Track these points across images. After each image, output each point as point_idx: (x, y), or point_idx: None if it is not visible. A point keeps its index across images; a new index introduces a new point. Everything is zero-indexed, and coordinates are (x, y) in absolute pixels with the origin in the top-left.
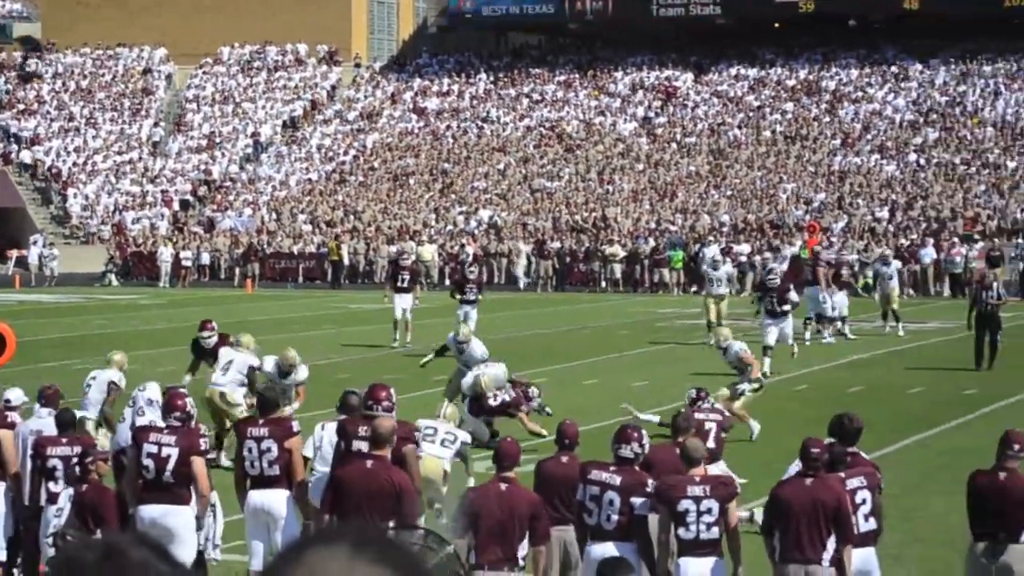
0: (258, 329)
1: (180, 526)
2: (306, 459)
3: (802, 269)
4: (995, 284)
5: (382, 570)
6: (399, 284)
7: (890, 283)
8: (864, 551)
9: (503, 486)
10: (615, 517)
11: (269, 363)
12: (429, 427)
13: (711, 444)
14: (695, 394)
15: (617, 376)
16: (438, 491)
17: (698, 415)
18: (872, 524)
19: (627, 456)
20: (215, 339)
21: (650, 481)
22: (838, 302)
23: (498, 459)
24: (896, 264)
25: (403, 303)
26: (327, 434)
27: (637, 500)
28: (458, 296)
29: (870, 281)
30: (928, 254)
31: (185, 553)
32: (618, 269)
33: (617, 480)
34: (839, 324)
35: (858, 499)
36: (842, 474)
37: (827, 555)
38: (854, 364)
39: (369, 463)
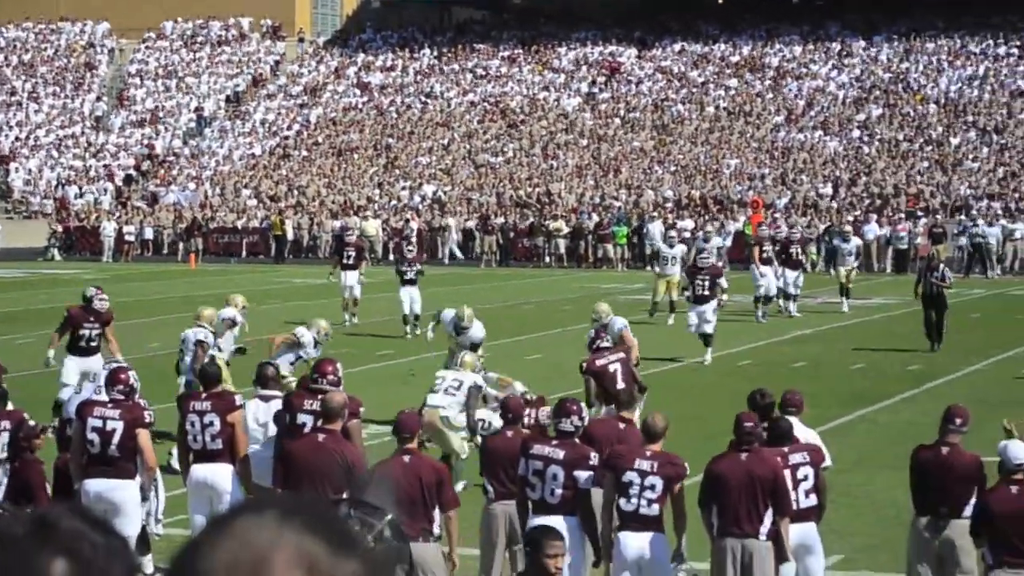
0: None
1: (125, 500)
2: None
3: (745, 246)
4: (941, 265)
5: (310, 538)
6: (345, 261)
7: (849, 259)
8: (805, 526)
9: (406, 458)
10: (559, 491)
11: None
12: (438, 376)
13: (620, 385)
14: (594, 334)
15: (560, 351)
16: (444, 441)
17: (599, 361)
18: (813, 500)
19: (568, 430)
20: None
21: (593, 454)
22: (790, 280)
23: (397, 431)
24: (856, 241)
25: (349, 280)
26: (258, 408)
27: (581, 474)
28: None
29: (815, 257)
30: (871, 230)
31: (129, 527)
32: (562, 244)
33: (560, 454)
34: (783, 302)
35: (800, 475)
36: (785, 448)
37: (764, 528)
38: (797, 340)
39: (321, 437)
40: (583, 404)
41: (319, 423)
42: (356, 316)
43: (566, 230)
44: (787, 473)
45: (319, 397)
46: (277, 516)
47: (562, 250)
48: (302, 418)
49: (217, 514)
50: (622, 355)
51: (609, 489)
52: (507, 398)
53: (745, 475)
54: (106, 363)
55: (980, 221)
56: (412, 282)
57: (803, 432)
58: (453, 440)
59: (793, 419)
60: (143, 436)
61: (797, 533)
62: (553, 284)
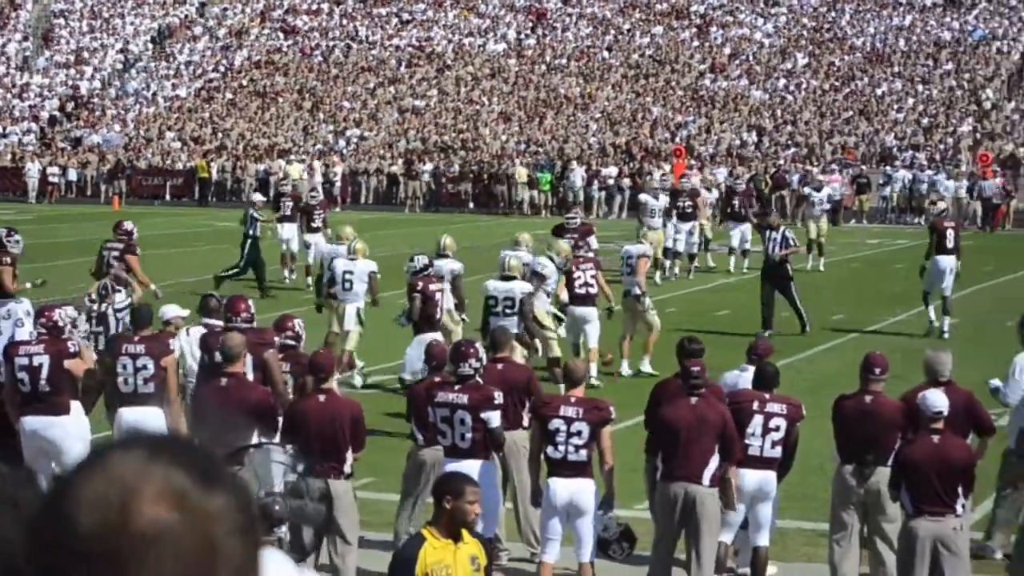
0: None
1: (63, 436)
2: None
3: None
4: (782, 227)
5: (178, 472)
6: (283, 212)
7: (817, 210)
8: (765, 474)
9: (322, 397)
10: (469, 435)
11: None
12: (491, 298)
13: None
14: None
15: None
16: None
17: (577, 272)
18: (777, 452)
19: (468, 373)
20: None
21: (497, 393)
22: (744, 234)
23: (313, 371)
24: (828, 190)
25: (286, 233)
26: (192, 339)
27: (488, 414)
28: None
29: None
30: (800, 179)
31: (67, 461)
32: (524, 193)
33: (464, 398)
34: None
35: (772, 424)
36: (767, 395)
37: (708, 473)
38: (722, 288)
39: (223, 381)
40: (480, 346)
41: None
42: (294, 272)
43: (525, 178)
44: (760, 419)
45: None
46: (145, 452)
47: (524, 197)
48: (219, 357)
49: (89, 452)
50: (592, 259)
51: (535, 438)
52: (431, 344)
53: (695, 420)
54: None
55: (928, 170)
56: (318, 229)
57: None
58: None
59: (750, 368)
60: (73, 364)
61: (756, 479)
62: (477, 230)
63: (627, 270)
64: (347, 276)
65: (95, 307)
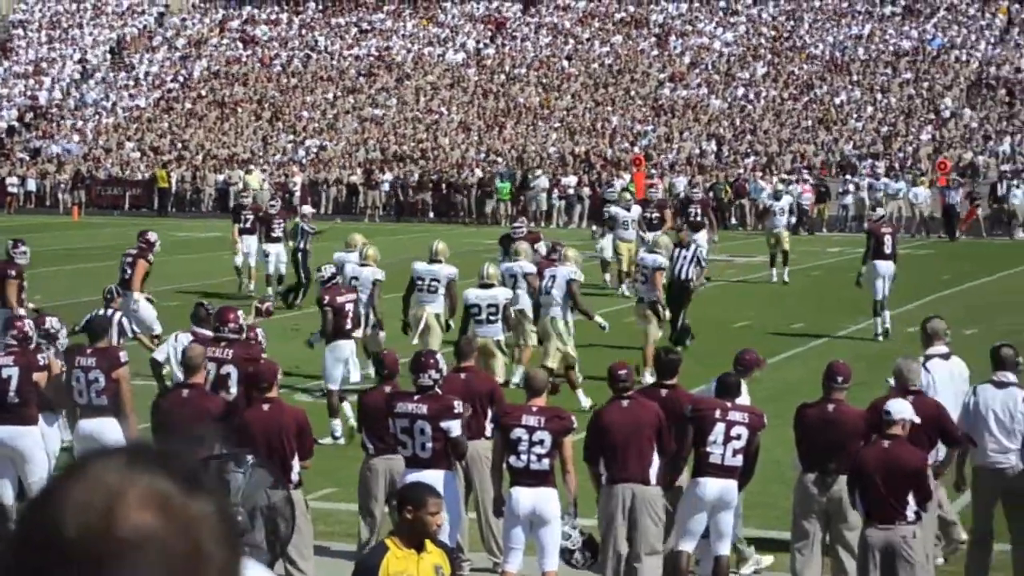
0: (86, 257)
1: (29, 447)
2: (161, 364)
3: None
4: (693, 245)
5: (161, 477)
6: (243, 225)
7: (778, 220)
8: (727, 482)
9: (266, 407)
10: (429, 445)
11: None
12: (473, 306)
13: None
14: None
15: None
16: (490, 366)
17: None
18: (738, 461)
19: (427, 384)
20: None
21: (457, 402)
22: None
23: (255, 381)
24: (788, 199)
25: (246, 247)
26: (180, 344)
27: (448, 424)
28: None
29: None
30: (757, 188)
31: (35, 473)
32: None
33: (424, 408)
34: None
35: (733, 432)
36: (728, 403)
37: (652, 473)
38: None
39: (185, 392)
40: (440, 356)
41: (220, 370)
42: (253, 282)
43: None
44: (721, 428)
45: (221, 345)
46: (127, 458)
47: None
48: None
49: (71, 461)
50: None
51: (497, 448)
52: (382, 354)
53: (630, 422)
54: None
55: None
56: (278, 239)
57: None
58: (498, 365)
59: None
60: (41, 378)
61: (717, 488)
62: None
63: (642, 279)
64: (353, 282)
65: (99, 311)
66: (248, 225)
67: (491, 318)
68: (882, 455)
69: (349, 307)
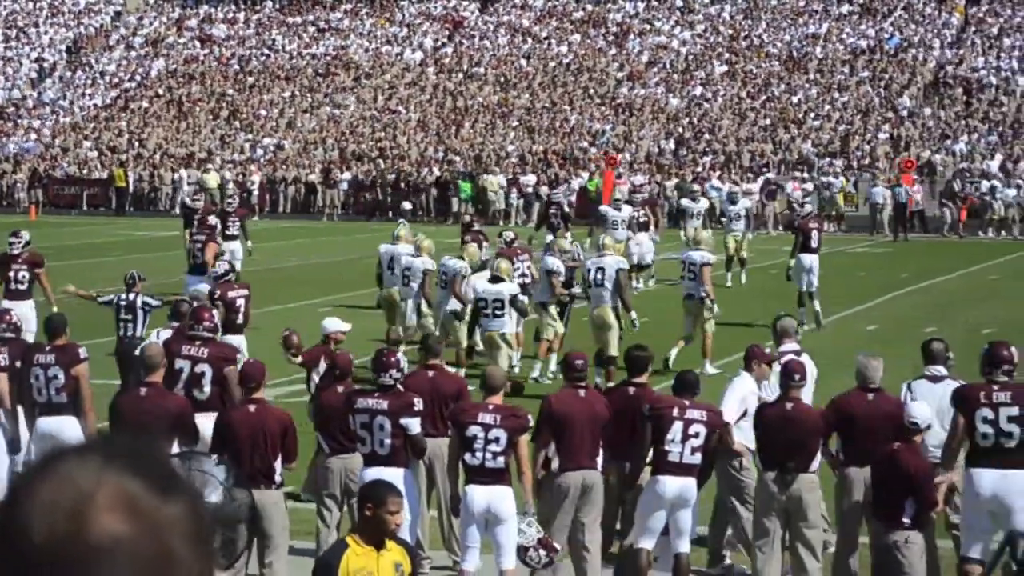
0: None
1: None
2: None
3: (589, 203)
4: (576, 247)
5: (132, 479)
6: (229, 232)
7: (735, 224)
8: (685, 480)
9: (251, 407)
10: (388, 441)
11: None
12: (480, 300)
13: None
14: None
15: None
16: (496, 358)
17: (516, 264)
18: (697, 459)
19: (388, 383)
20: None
21: (417, 400)
22: (643, 243)
23: (244, 381)
24: (745, 202)
25: (235, 252)
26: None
27: (408, 421)
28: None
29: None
30: (714, 187)
31: None
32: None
33: (384, 404)
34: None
35: (691, 431)
36: (686, 401)
37: (600, 461)
38: (644, 295)
39: (143, 391)
40: (402, 356)
41: (195, 368)
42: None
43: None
44: (679, 426)
45: (196, 344)
46: (99, 458)
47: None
48: (179, 363)
49: (40, 457)
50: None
51: (453, 446)
52: (336, 354)
53: (584, 412)
54: None
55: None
56: (234, 237)
57: (746, 385)
58: (502, 358)
59: (745, 373)
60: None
61: (676, 486)
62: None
63: (690, 276)
64: (406, 273)
65: (123, 296)
66: (234, 232)
67: (497, 312)
68: (887, 459)
69: (240, 303)
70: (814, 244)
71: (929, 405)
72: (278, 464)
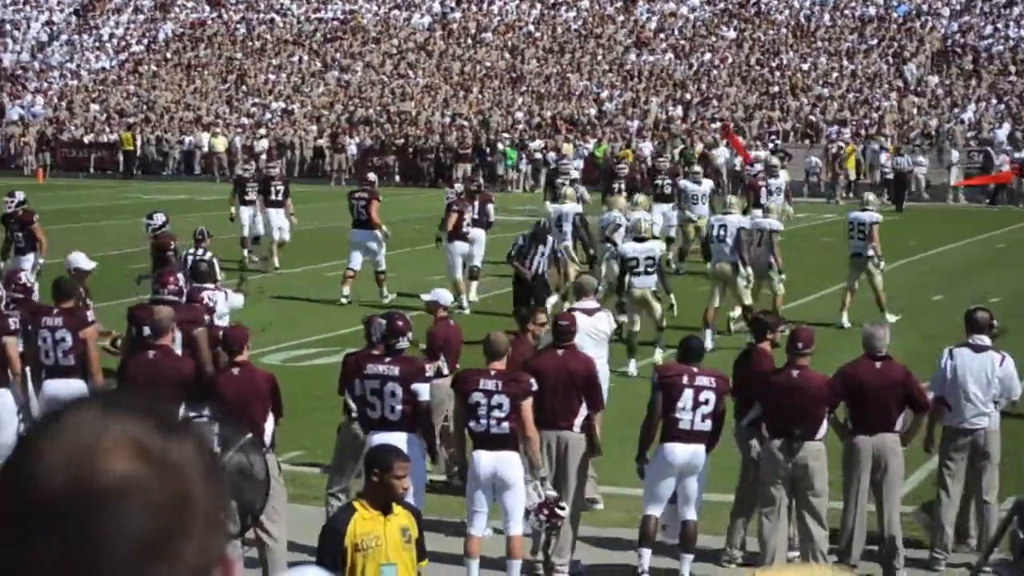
0: (52, 219)
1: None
2: None
3: (595, 169)
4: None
5: (138, 423)
6: (272, 197)
7: (777, 199)
8: (695, 447)
9: (236, 371)
10: (399, 407)
11: None
12: (631, 259)
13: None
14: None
15: (410, 270)
16: (652, 311)
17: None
18: (707, 425)
19: (402, 347)
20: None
21: (428, 366)
22: (668, 216)
23: (226, 345)
24: (784, 176)
25: (278, 220)
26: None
27: (419, 387)
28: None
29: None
30: (722, 154)
31: (5, 436)
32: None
33: (396, 370)
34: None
35: (702, 397)
36: (695, 368)
37: (578, 421)
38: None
39: (152, 353)
40: (410, 322)
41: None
42: (277, 259)
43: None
44: (690, 393)
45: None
46: (102, 406)
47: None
48: (148, 331)
49: (45, 411)
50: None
51: (457, 413)
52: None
53: (561, 370)
54: None
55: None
56: (278, 204)
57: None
58: (656, 310)
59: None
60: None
61: (686, 453)
62: (401, 204)
63: (859, 236)
64: (562, 222)
65: (188, 251)
66: (279, 198)
67: (648, 270)
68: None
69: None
70: (763, 201)
71: (971, 374)
72: (268, 425)
